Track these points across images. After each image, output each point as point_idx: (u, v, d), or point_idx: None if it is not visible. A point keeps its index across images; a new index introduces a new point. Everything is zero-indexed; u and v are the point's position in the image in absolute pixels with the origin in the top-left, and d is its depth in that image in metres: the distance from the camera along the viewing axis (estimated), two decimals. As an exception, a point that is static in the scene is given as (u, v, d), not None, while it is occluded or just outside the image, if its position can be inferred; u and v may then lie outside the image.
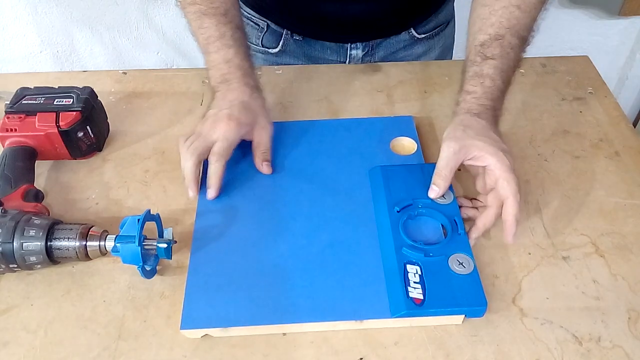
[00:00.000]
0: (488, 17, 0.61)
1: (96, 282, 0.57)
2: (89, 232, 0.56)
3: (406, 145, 0.70)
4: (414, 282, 0.53)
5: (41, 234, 0.54)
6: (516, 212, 0.55)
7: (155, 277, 0.57)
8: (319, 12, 0.81)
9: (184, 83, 0.82)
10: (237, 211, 0.62)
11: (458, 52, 0.97)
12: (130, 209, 0.64)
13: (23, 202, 0.59)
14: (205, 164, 0.64)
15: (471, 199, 0.62)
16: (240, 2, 0.74)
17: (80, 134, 0.67)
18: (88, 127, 0.67)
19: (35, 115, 0.65)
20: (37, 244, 0.54)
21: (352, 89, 0.80)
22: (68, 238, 0.55)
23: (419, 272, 0.53)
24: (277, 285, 0.55)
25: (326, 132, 0.71)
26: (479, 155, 0.57)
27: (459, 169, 0.59)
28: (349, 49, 0.87)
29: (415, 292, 0.52)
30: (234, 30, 0.66)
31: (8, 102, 0.67)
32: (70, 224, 0.57)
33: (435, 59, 0.91)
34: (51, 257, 0.55)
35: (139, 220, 0.54)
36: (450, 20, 0.92)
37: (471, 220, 0.60)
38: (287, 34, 0.86)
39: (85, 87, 0.69)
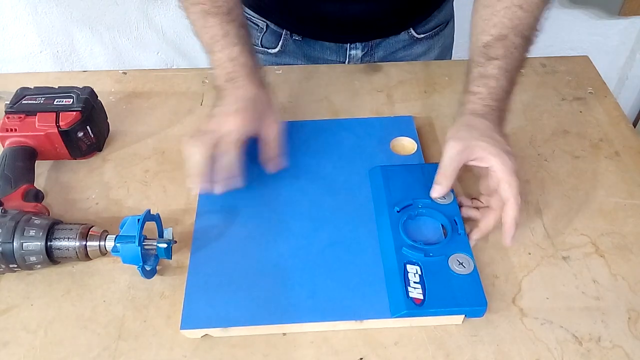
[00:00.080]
0: (490, 18, 0.61)
1: (96, 282, 0.57)
2: (89, 232, 0.56)
3: (406, 145, 0.70)
4: (414, 282, 0.53)
5: (41, 234, 0.54)
6: (516, 215, 0.55)
7: (155, 277, 0.57)
8: (318, 12, 0.81)
9: (184, 83, 0.82)
10: (237, 211, 0.62)
11: (458, 52, 0.97)
12: (130, 209, 0.64)
13: (23, 202, 0.59)
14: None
15: (471, 199, 0.62)
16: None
17: (80, 134, 0.67)
18: (88, 127, 0.67)
19: (35, 115, 0.65)
20: (37, 244, 0.54)
21: (352, 89, 0.80)
22: (68, 238, 0.55)
23: (419, 272, 0.53)
24: (277, 285, 0.55)
25: (326, 132, 0.71)
26: (482, 156, 0.56)
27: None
28: (348, 49, 0.87)
29: (415, 292, 0.52)
30: (238, 29, 0.66)
31: (8, 102, 0.67)
32: (70, 224, 0.57)
33: (435, 59, 0.91)
34: (51, 257, 0.55)
35: (139, 220, 0.54)
36: (449, 20, 0.92)
37: (471, 220, 0.60)
38: (286, 34, 0.86)
39: (85, 87, 0.69)
